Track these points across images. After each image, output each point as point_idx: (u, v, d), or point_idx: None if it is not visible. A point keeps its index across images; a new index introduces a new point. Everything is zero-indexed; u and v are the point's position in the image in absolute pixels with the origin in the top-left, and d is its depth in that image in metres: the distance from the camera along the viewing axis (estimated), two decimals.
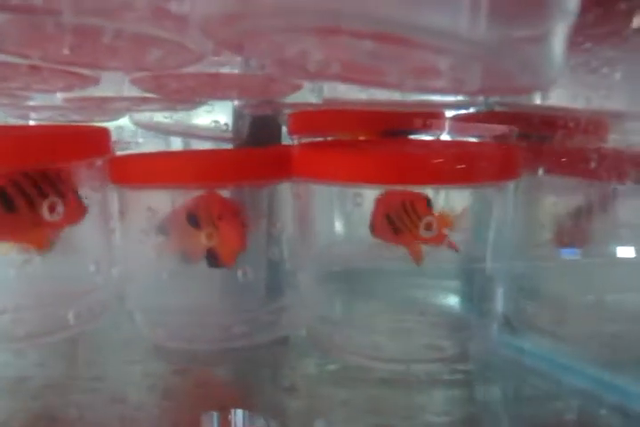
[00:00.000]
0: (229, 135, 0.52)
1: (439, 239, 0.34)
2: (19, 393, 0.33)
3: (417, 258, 0.34)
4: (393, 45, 0.17)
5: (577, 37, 0.19)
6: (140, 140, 0.61)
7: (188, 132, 0.52)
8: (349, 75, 0.21)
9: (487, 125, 0.42)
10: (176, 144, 0.63)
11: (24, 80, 0.32)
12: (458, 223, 0.34)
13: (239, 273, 0.39)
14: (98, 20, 0.22)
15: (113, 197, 0.40)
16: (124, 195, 0.39)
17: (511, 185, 0.34)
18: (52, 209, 0.34)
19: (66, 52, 0.26)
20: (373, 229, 0.33)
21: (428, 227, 0.32)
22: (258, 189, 0.38)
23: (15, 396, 0.32)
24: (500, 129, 0.41)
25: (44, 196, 0.34)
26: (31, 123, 0.54)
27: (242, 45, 0.18)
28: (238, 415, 0.30)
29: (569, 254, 0.38)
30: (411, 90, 0.22)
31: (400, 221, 0.33)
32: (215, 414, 0.30)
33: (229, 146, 0.56)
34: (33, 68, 0.30)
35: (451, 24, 0.15)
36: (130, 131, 0.60)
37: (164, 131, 0.52)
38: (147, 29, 0.23)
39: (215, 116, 0.54)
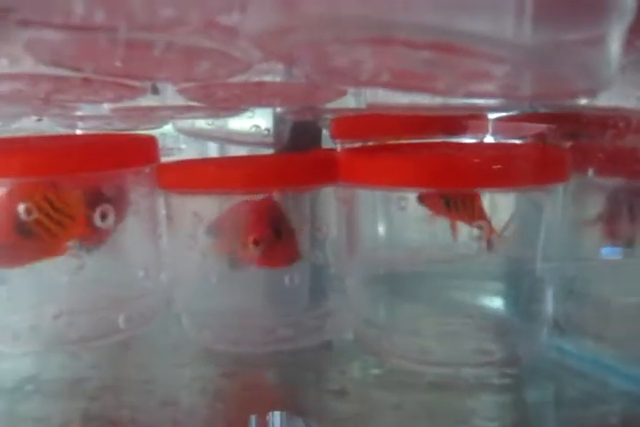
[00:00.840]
0: (270, 140, 0.53)
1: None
2: (75, 394, 0.33)
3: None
4: (445, 54, 0.17)
5: (628, 35, 0.19)
6: (183, 146, 0.62)
7: (230, 138, 0.53)
8: (399, 82, 0.21)
9: (526, 124, 0.41)
10: (213, 149, 0.64)
11: (76, 92, 0.33)
12: (506, 226, 0.34)
13: (284, 277, 0.39)
14: (151, 35, 0.22)
15: (160, 202, 0.40)
16: (171, 200, 0.40)
17: (560, 188, 0.34)
18: (103, 216, 0.35)
19: (118, 64, 0.26)
20: (422, 197, 0.33)
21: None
22: (302, 193, 0.38)
23: (72, 397, 0.33)
24: (538, 128, 0.40)
25: (97, 203, 0.35)
26: (78, 132, 0.55)
27: (293, 57, 0.18)
28: (276, 418, 0.31)
29: (612, 254, 0.37)
30: (461, 95, 0.22)
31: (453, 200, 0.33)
32: (254, 417, 0.30)
33: (267, 151, 0.56)
34: (85, 80, 0.31)
35: (499, 30, 0.15)
36: (172, 137, 0.61)
37: (207, 137, 0.53)
38: (197, 42, 0.23)
39: (255, 121, 0.55)
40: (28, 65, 0.29)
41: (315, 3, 0.16)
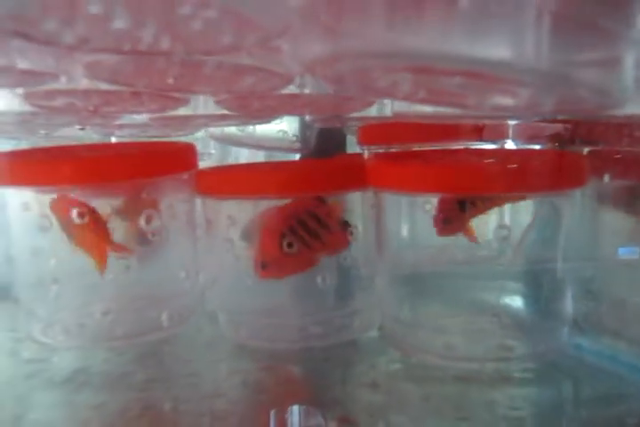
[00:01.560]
0: (298, 146, 0.55)
1: None
2: (124, 386, 0.36)
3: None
4: (474, 79, 0.19)
5: None
6: (213, 151, 0.65)
7: (259, 144, 0.55)
8: (432, 98, 0.23)
9: (542, 124, 0.43)
10: (242, 154, 0.67)
11: (124, 104, 0.36)
12: (527, 230, 0.36)
13: (315, 278, 0.41)
14: (205, 57, 0.25)
15: (198, 206, 0.43)
16: (209, 205, 0.42)
17: (578, 192, 0.36)
18: (148, 220, 0.38)
19: (170, 81, 0.29)
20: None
21: None
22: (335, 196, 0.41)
23: (122, 388, 0.36)
24: (554, 128, 0.42)
25: (142, 208, 0.38)
26: (113, 139, 0.58)
27: (341, 80, 0.20)
28: (295, 411, 0.33)
29: (629, 254, 0.39)
30: (487, 111, 0.24)
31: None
32: (273, 411, 0.32)
33: (294, 156, 0.59)
34: (134, 93, 0.34)
35: (518, 57, 0.17)
36: (203, 142, 0.63)
37: (238, 143, 0.55)
38: (246, 61, 0.26)
39: (283, 126, 0.57)
40: (84, 82, 0.31)
41: (352, 37, 0.18)
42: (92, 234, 0.36)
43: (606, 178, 0.37)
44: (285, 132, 0.57)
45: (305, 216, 0.37)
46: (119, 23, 0.18)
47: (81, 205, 0.36)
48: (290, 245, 0.37)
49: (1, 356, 0.42)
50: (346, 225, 0.39)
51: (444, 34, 0.17)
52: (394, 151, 0.46)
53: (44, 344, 0.41)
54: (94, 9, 0.17)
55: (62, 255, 0.40)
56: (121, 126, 0.51)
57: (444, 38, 0.17)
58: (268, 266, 0.38)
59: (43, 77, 0.28)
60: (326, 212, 0.38)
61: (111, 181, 0.36)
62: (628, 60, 0.20)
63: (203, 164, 0.46)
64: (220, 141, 0.56)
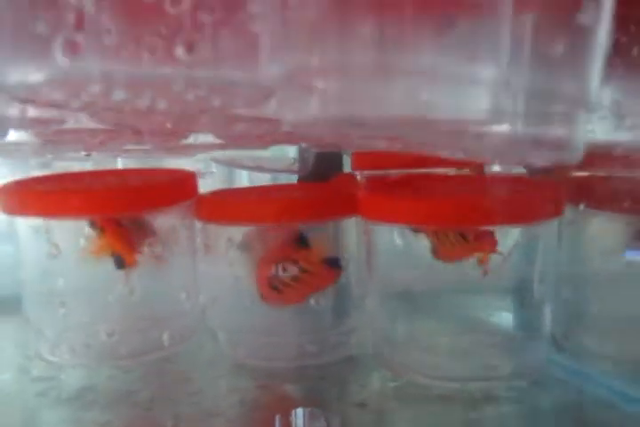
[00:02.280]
0: (296, 168, 0.57)
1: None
2: (130, 404, 0.38)
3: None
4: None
5: None
6: (214, 170, 0.67)
7: (259, 166, 0.57)
8: (410, 147, 0.25)
9: None
10: (242, 173, 0.69)
11: (128, 139, 0.38)
12: (508, 254, 0.38)
13: (310, 299, 0.43)
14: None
15: (198, 230, 0.45)
16: (208, 229, 0.45)
17: (557, 220, 0.38)
18: (151, 246, 0.40)
19: (169, 126, 0.31)
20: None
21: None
22: (326, 223, 0.43)
23: (128, 406, 0.38)
24: None
25: (146, 236, 0.40)
26: (119, 160, 0.61)
27: (322, 139, 0.22)
28: (299, 414, 0.35)
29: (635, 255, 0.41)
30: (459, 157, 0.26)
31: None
32: (278, 416, 0.35)
33: (293, 177, 0.61)
34: (137, 132, 0.36)
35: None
36: (205, 162, 0.66)
37: (238, 165, 0.58)
38: (239, 111, 0.28)
39: (281, 149, 0.59)
40: (91, 124, 0.34)
41: (317, 107, 0.20)
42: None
43: (582, 206, 0.39)
44: (285, 154, 0.59)
45: (286, 263, 0.40)
46: (120, 95, 0.21)
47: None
48: (277, 288, 0.40)
49: (11, 373, 0.44)
50: (331, 262, 0.41)
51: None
52: (384, 179, 0.48)
53: (51, 363, 0.43)
54: (97, 88, 0.19)
55: (70, 278, 0.42)
56: (126, 151, 0.53)
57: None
58: (268, 299, 0.40)
59: (50, 122, 0.30)
60: (306, 256, 0.40)
61: (119, 213, 0.39)
62: (584, 120, 0.22)
63: (204, 182, 0.49)
64: (221, 163, 0.58)
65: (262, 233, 0.43)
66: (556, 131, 0.22)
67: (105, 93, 0.20)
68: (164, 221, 0.42)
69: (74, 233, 0.42)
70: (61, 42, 0.17)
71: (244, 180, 0.71)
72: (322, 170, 0.58)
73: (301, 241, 0.42)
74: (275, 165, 0.59)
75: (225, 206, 0.42)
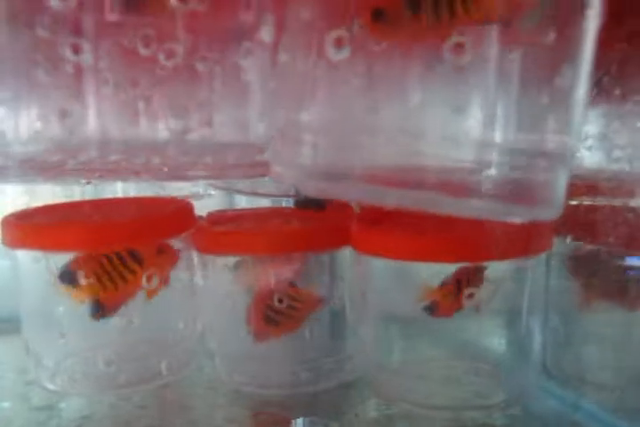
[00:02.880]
0: (293, 193, 0.58)
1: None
2: None
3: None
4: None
5: None
6: (212, 192, 0.68)
7: (256, 191, 0.58)
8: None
9: None
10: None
11: (126, 176, 0.39)
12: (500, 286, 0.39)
13: (306, 327, 0.44)
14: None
15: (196, 260, 0.46)
16: (205, 260, 0.45)
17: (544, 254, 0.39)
18: (149, 279, 0.41)
19: (165, 170, 0.32)
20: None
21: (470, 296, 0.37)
22: (322, 254, 0.44)
23: None
24: None
25: (144, 269, 0.41)
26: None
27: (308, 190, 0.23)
28: (299, 422, 0.36)
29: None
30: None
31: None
32: None
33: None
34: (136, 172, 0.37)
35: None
36: (203, 185, 0.66)
37: (236, 191, 0.58)
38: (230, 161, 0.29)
39: None
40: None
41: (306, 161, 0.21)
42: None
43: (568, 239, 0.40)
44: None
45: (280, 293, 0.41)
46: (116, 157, 0.22)
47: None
48: (273, 320, 0.41)
49: (12, 401, 0.45)
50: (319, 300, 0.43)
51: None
52: (379, 209, 0.49)
53: (51, 391, 0.44)
54: (95, 152, 0.20)
55: (69, 307, 0.43)
56: (124, 180, 0.54)
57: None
58: (260, 335, 0.41)
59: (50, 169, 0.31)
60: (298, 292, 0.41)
61: (117, 246, 0.40)
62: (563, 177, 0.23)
63: (205, 203, 0.49)
64: (218, 188, 0.59)
65: (257, 263, 0.44)
66: (536, 188, 0.23)
67: (101, 156, 0.21)
68: (163, 254, 0.43)
69: None
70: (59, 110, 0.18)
71: (242, 201, 0.72)
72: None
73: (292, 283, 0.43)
74: (271, 189, 0.59)
75: (221, 237, 0.43)
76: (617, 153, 0.39)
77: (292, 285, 0.43)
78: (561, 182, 0.22)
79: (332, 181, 0.22)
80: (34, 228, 0.40)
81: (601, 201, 0.40)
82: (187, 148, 0.21)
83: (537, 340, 0.42)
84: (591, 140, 0.41)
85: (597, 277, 0.40)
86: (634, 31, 0.32)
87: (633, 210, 0.39)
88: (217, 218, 0.49)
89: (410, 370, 0.44)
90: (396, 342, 0.45)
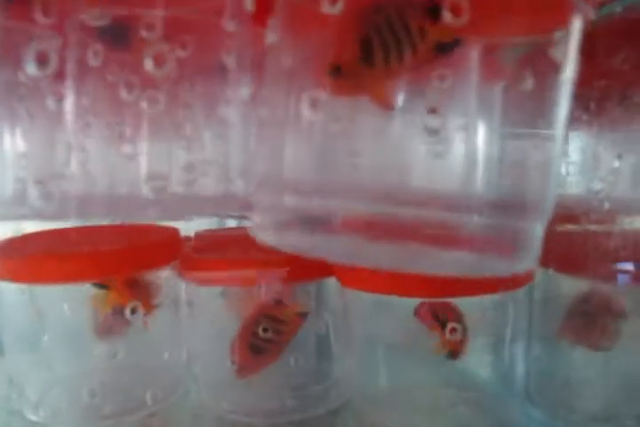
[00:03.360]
0: None
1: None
2: None
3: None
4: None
5: None
6: None
7: (244, 216, 0.58)
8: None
9: None
10: None
11: None
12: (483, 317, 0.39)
13: (290, 355, 0.44)
14: None
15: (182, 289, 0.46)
16: (191, 289, 0.45)
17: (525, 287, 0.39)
18: (133, 311, 0.41)
19: None
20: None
21: (452, 331, 0.38)
22: (308, 284, 0.44)
23: None
24: None
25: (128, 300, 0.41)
26: None
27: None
28: None
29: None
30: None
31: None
32: None
33: None
34: None
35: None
36: None
37: (224, 215, 0.59)
38: None
39: None
40: None
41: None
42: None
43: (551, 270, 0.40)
44: None
45: (266, 321, 0.41)
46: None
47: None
48: (257, 348, 0.41)
49: None
50: (302, 315, 0.43)
51: None
52: None
53: (35, 423, 0.44)
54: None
55: (53, 338, 0.43)
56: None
57: None
58: (244, 369, 0.41)
59: None
60: (283, 311, 0.41)
61: (103, 277, 0.40)
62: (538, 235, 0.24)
63: (196, 222, 0.49)
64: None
65: (243, 292, 0.44)
66: (514, 239, 0.23)
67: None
68: (149, 281, 0.43)
69: (58, 295, 0.42)
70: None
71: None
72: None
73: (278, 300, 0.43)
74: None
75: (207, 267, 0.43)
76: (596, 184, 0.40)
77: (277, 302, 0.43)
78: (537, 233, 0.23)
79: (309, 231, 0.23)
80: (18, 261, 0.40)
81: (579, 229, 0.41)
82: (167, 205, 0.21)
83: (520, 368, 0.42)
84: (572, 170, 0.41)
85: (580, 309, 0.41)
86: (610, 69, 0.33)
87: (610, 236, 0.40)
88: (203, 242, 0.49)
89: (394, 400, 0.44)
90: (380, 372, 0.45)
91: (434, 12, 0.20)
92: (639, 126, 0.34)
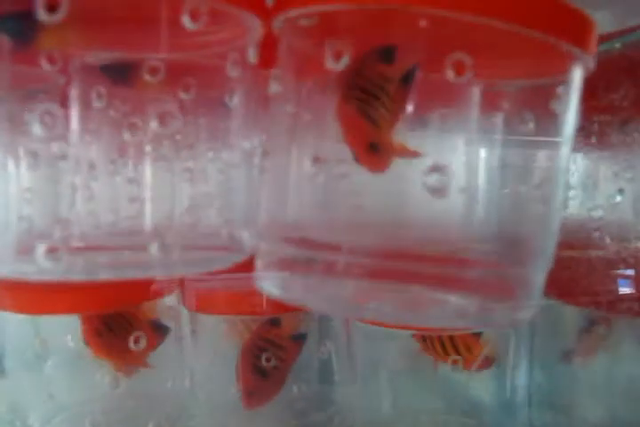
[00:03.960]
0: None
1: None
2: None
3: None
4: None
5: None
6: None
7: None
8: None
9: None
10: None
11: None
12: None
13: (294, 382, 0.44)
14: None
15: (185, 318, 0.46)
16: (194, 316, 0.45)
17: None
18: (136, 341, 0.41)
19: None
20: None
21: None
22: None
23: None
24: None
25: (131, 331, 0.41)
26: None
27: None
28: None
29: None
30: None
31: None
32: None
33: None
34: None
35: None
36: None
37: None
38: None
39: None
40: None
41: None
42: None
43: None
44: None
45: (263, 344, 0.42)
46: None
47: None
48: (262, 372, 0.41)
49: None
50: (296, 338, 0.43)
51: None
52: None
53: None
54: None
55: (56, 368, 0.43)
56: None
57: None
58: (254, 395, 0.41)
59: None
60: (278, 333, 0.41)
61: (104, 310, 0.40)
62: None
63: None
64: None
65: (246, 321, 0.44)
66: (516, 282, 0.23)
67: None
68: (151, 312, 0.43)
69: (61, 325, 0.42)
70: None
71: None
72: None
73: (274, 322, 0.43)
74: None
75: (209, 297, 0.43)
76: (597, 212, 0.40)
77: (272, 324, 0.43)
78: (540, 281, 0.23)
79: (313, 277, 0.23)
80: (21, 292, 0.40)
81: (579, 255, 0.41)
82: (172, 262, 0.21)
83: (522, 395, 0.42)
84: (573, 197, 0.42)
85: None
86: (610, 105, 0.33)
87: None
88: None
89: (398, 425, 0.44)
90: (384, 397, 0.45)
91: (387, 56, 0.20)
92: (638, 160, 0.34)
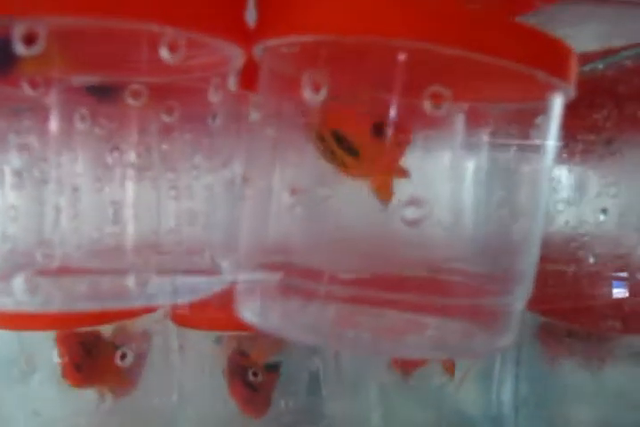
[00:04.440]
0: None
1: None
2: None
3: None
4: None
5: None
6: None
7: None
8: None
9: None
10: None
11: None
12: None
13: (281, 399, 0.44)
14: None
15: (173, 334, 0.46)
16: (182, 331, 0.45)
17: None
18: (122, 357, 0.41)
19: None
20: None
21: None
22: None
23: None
24: None
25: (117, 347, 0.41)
26: None
27: None
28: None
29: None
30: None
31: None
32: None
33: None
34: None
35: None
36: None
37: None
38: None
39: None
40: None
41: None
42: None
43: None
44: None
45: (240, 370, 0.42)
46: None
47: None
48: (252, 386, 0.41)
49: None
50: (270, 368, 0.43)
51: None
52: None
53: None
54: None
55: (41, 384, 0.43)
56: None
57: None
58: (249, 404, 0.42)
59: None
60: (254, 362, 0.42)
61: (94, 325, 0.39)
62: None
63: None
64: None
65: (236, 338, 0.44)
66: (493, 317, 0.23)
67: None
68: (139, 327, 0.43)
69: (47, 340, 0.42)
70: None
71: None
72: None
73: (241, 351, 0.43)
74: None
75: (198, 312, 0.43)
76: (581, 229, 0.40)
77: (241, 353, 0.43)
78: (518, 310, 0.23)
79: (295, 302, 0.23)
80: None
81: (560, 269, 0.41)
82: (152, 294, 0.21)
83: (509, 408, 0.42)
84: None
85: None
86: (594, 125, 0.33)
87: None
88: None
89: None
90: (373, 412, 0.45)
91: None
92: (624, 179, 0.34)
